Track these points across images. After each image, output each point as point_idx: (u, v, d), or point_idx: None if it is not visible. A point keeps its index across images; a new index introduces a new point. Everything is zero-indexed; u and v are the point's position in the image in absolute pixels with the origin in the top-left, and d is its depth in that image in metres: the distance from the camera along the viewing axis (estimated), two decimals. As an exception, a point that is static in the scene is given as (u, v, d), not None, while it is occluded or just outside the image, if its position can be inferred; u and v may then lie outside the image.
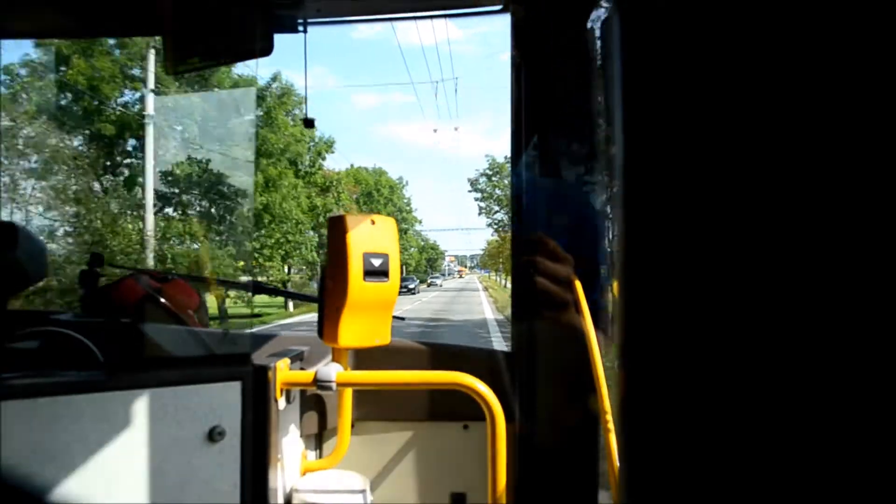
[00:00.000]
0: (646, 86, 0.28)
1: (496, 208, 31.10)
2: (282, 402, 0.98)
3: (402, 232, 37.61)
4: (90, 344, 1.08)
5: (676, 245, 0.27)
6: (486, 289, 44.02)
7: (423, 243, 60.72)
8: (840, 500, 0.25)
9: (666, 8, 0.27)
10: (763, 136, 0.25)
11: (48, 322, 1.20)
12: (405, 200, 44.25)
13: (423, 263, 61.83)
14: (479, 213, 33.99)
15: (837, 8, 0.25)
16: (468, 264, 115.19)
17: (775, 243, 0.25)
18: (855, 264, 0.24)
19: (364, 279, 0.96)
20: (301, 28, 1.34)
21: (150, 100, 13.55)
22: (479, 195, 33.24)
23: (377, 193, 39.05)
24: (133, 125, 14.40)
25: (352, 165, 37.67)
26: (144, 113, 13.61)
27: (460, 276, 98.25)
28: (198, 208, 15.38)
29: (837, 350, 0.24)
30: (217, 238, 15.48)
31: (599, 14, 1.00)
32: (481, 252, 69.61)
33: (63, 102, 13.94)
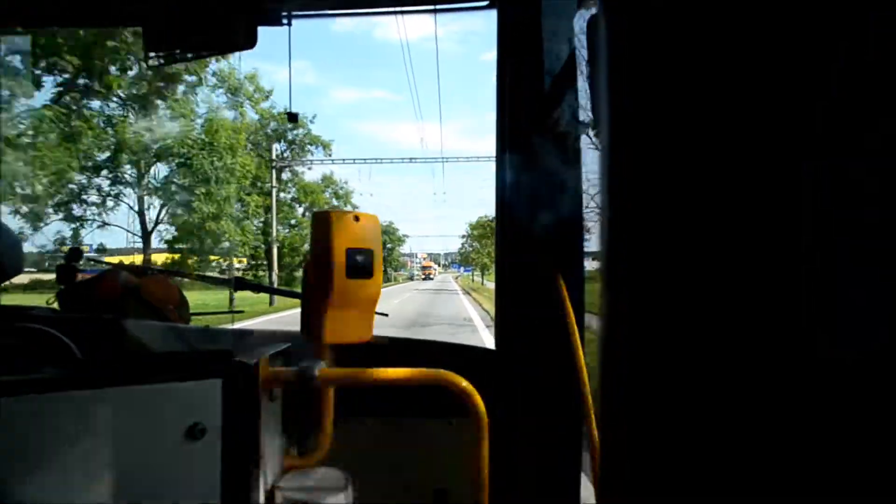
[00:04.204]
0: (631, 84, 0.28)
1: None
2: (264, 400, 0.97)
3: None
4: (67, 340, 1.06)
5: (661, 242, 0.27)
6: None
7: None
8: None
9: (653, 6, 0.27)
10: (751, 136, 0.25)
11: (24, 318, 1.17)
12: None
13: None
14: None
15: (828, 5, 0.24)
16: (442, 262, 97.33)
17: (762, 243, 0.25)
18: (845, 262, 0.24)
19: (347, 276, 0.96)
20: (285, 21, 1.32)
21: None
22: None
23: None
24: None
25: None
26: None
27: (426, 277, 71.29)
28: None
29: (832, 349, 0.24)
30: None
31: (585, 12, 1.00)
32: (462, 239, 55.05)
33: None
